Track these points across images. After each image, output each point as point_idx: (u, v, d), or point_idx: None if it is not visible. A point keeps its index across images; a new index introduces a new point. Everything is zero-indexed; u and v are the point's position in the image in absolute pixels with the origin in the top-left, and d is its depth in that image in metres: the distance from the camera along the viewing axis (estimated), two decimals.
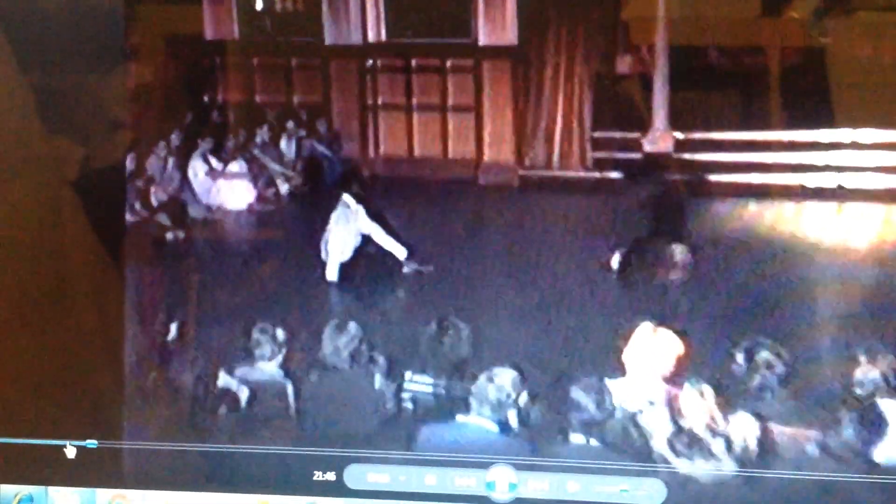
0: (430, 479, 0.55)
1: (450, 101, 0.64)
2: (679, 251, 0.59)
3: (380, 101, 0.64)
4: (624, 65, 0.61)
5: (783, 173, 0.59)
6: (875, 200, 0.57)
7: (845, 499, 0.53)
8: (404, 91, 0.64)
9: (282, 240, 0.65)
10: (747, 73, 0.59)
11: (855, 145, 0.57)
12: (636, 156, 0.61)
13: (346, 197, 0.63)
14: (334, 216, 0.63)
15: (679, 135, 0.60)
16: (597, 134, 0.63)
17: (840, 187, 0.58)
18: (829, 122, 0.57)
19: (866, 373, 0.54)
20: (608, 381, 0.56)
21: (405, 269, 0.63)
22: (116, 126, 0.59)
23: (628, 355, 0.57)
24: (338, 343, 0.60)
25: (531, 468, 0.55)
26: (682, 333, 0.57)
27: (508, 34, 0.62)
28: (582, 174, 0.63)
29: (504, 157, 0.63)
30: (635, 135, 0.61)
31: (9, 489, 0.57)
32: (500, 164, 0.63)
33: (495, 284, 0.61)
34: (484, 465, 0.55)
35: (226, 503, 0.56)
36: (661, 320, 0.57)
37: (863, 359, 0.54)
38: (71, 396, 0.57)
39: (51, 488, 0.57)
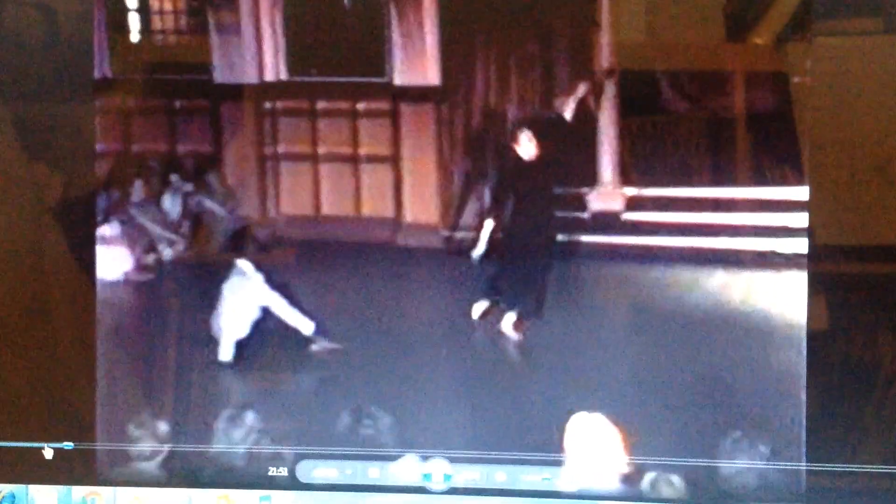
0: (374, 472, 0.61)
1: (362, 151, 0.57)
2: None
3: (280, 150, 0.57)
4: (565, 110, 0.56)
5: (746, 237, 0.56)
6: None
7: None
8: (309, 138, 0.57)
9: (165, 314, 0.59)
10: (710, 121, 0.55)
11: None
12: (581, 215, 0.56)
13: (242, 263, 0.57)
14: (228, 286, 0.57)
15: (631, 191, 0.56)
16: None
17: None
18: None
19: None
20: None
21: (312, 348, 0.57)
22: None
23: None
24: (232, 436, 0.57)
25: (464, 460, 0.60)
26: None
27: (429, 73, 0.55)
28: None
29: (427, 216, 0.57)
30: (579, 191, 0.56)
31: None
32: (421, 224, 0.56)
33: (419, 364, 0.57)
34: (422, 458, 0.60)
35: (189, 498, 0.61)
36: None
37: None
38: (49, 403, 0.61)
39: (31, 486, 0.61)
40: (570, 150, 0.56)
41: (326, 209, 0.57)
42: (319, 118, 0.57)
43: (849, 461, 0.57)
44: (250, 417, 0.59)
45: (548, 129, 0.56)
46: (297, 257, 0.57)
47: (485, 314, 0.57)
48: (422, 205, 0.56)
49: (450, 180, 0.57)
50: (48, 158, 0.58)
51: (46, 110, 0.57)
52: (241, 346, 0.57)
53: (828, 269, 0.56)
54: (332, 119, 0.57)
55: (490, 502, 0.60)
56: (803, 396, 0.57)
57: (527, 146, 0.56)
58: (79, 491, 0.61)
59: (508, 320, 0.58)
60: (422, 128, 0.56)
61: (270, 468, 0.61)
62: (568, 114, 0.56)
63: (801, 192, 0.56)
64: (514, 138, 0.56)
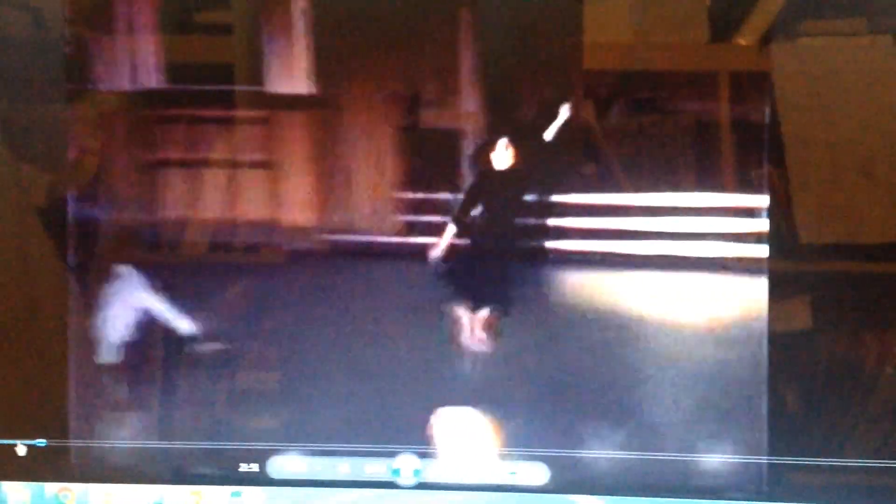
0: (343, 468, 0.61)
1: (240, 157, 0.59)
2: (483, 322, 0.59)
3: (158, 156, 0.59)
4: (434, 117, 0.58)
5: (646, 241, 0.58)
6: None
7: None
8: (189, 144, 0.59)
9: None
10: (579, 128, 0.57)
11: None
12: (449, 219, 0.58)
13: (120, 267, 0.59)
14: (107, 289, 0.60)
15: None
16: (406, 195, 0.59)
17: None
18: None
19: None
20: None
21: (192, 349, 0.60)
22: None
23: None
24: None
25: (433, 455, 0.61)
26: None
27: (304, 81, 0.58)
28: (390, 239, 0.59)
29: (304, 220, 0.59)
30: (449, 196, 0.59)
31: None
32: (299, 228, 0.59)
33: (298, 363, 0.60)
34: (391, 454, 0.61)
35: (161, 495, 0.62)
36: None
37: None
38: (22, 400, 0.62)
39: (4, 483, 0.62)
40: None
41: (207, 213, 0.59)
42: (197, 124, 0.59)
43: (810, 455, 0.58)
44: (220, 414, 0.60)
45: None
46: (175, 261, 0.60)
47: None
48: (298, 209, 0.59)
49: (328, 184, 0.59)
50: None
51: None
52: (120, 349, 0.60)
53: (805, 268, 0.58)
54: (209, 126, 0.59)
55: (459, 497, 0.61)
56: (760, 393, 0.58)
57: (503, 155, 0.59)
58: (51, 487, 0.62)
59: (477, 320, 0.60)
60: (297, 134, 0.59)
61: (242, 464, 0.62)
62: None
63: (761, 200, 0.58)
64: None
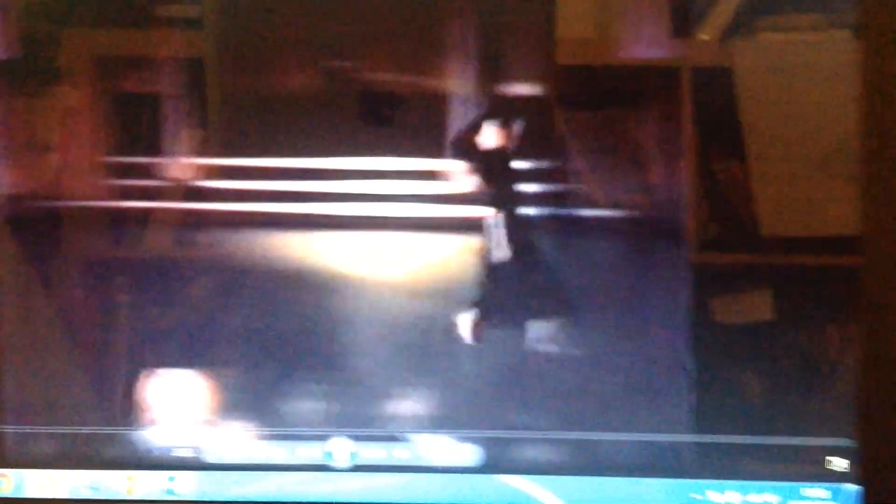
0: (277, 452, 0.62)
1: None
2: None
3: None
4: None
5: (317, 202, 0.60)
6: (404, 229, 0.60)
7: None
8: None
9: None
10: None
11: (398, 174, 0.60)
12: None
13: None
14: None
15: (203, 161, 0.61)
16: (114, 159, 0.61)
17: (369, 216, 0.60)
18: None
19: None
20: None
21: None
22: None
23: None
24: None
25: (367, 438, 0.62)
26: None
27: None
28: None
29: None
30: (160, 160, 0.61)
31: None
32: None
33: (230, 348, 0.62)
34: (324, 438, 0.62)
35: (97, 479, 0.62)
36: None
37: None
38: None
39: None
40: None
41: None
42: None
43: (733, 432, 0.59)
44: (155, 398, 0.61)
45: None
46: None
47: None
48: None
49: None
50: None
51: None
52: None
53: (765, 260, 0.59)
54: None
55: (393, 479, 0.61)
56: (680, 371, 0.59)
57: None
58: None
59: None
60: None
61: (176, 449, 0.62)
62: None
63: None
64: None
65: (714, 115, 0.59)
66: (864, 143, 0.56)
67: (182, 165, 0.61)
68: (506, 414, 0.61)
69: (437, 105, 0.59)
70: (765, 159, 0.59)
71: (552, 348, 0.61)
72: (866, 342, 0.57)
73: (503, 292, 0.61)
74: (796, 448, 0.59)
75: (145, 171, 0.61)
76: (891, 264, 0.56)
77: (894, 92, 0.56)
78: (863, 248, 0.57)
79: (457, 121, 0.59)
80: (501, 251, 0.60)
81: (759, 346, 0.59)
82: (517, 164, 0.60)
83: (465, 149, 0.60)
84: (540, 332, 0.61)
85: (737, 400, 0.59)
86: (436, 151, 0.60)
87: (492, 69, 0.59)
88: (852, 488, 0.58)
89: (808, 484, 0.59)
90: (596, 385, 0.61)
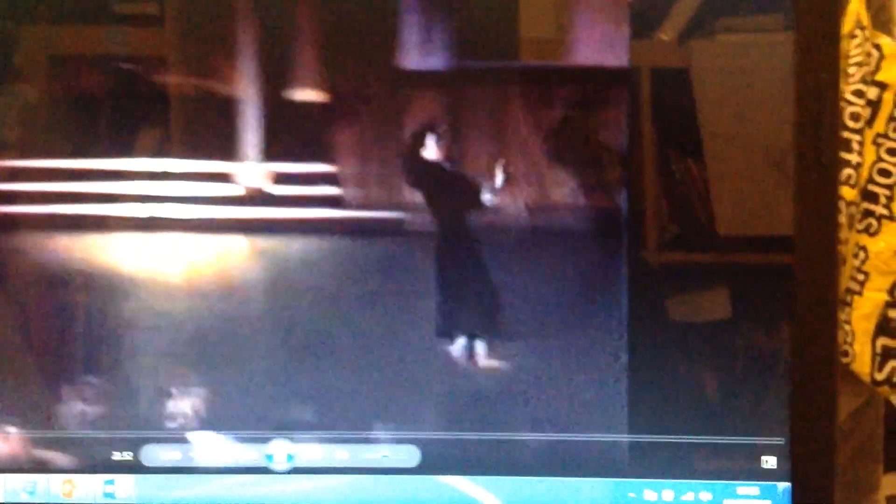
0: (217, 455, 0.62)
1: None
2: None
3: None
4: None
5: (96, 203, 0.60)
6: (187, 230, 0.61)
7: None
8: None
9: None
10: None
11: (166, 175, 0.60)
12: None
13: None
14: None
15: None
16: None
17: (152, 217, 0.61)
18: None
19: (177, 405, 0.61)
20: None
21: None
22: None
23: None
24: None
25: (306, 440, 0.62)
26: None
27: None
28: None
29: None
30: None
31: None
32: None
33: (166, 350, 0.61)
34: (264, 440, 0.62)
35: (33, 482, 0.62)
36: None
37: (175, 391, 0.61)
38: None
39: None
40: None
41: None
42: None
43: (669, 432, 0.60)
44: (93, 402, 0.61)
45: None
46: None
47: None
48: None
49: None
50: None
51: None
52: None
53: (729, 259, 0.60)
54: None
55: (332, 480, 0.61)
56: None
57: None
58: None
59: None
60: None
61: (115, 452, 0.62)
62: None
63: None
64: None
65: (671, 114, 0.59)
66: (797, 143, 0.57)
67: None
68: (442, 415, 0.61)
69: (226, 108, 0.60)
70: (721, 159, 0.59)
71: (495, 350, 0.61)
72: (794, 340, 0.58)
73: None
74: (729, 446, 0.60)
75: None
76: (820, 262, 0.58)
77: (824, 91, 0.57)
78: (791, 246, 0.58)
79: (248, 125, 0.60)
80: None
81: (690, 344, 0.60)
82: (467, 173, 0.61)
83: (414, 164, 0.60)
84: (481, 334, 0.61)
85: (673, 399, 0.60)
86: (225, 154, 0.60)
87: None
88: (783, 485, 0.59)
89: (742, 483, 0.60)
90: (534, 384, 0.61)
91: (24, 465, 0.62)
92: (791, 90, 0.57)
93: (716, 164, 0.59)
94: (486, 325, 0.61)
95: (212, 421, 0.61)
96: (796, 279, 0.58)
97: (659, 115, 0.59)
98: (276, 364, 0.61)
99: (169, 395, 0.61)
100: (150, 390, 0.62)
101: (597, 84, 0.59)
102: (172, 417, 0.62)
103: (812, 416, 0.58)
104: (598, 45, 0.59)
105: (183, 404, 0.61)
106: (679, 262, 0.61)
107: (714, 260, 0.60)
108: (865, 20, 0.69)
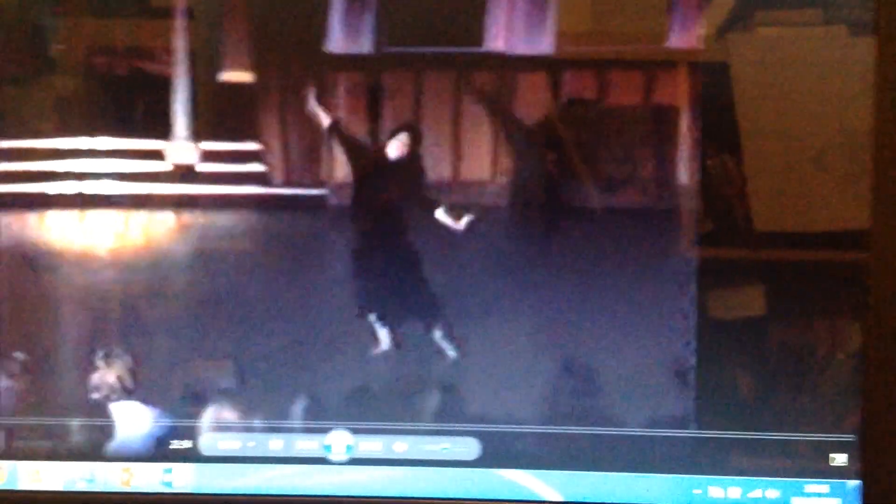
0: (276, 444, 0.62)
1: None
2: None
3: None
4: None
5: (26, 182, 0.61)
6: (115, 206, 0.61)
7: None
8: None
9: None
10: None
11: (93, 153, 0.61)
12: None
13: None
14: None
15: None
16: None
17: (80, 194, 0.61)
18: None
19: (103, 377, 0.61)
20: None
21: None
22: None
23: None
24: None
25: (366, 432, 0.61)
26: None
27: None
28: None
29: None
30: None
31: None
32: None
33: (232, 341, 0.62)
34: (323, 431, 0.61)
35: (91, 472, 0.62)
36: None
37: (101, 364, 0.61)
38: None
39: None
40: None
41: None
42: None
43: (735, 428, 0.59)
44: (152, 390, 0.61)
45: None
46: None
47: None
48: None
49: None
50: None
51: None
52: None
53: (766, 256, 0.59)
54: None
55: (391, 472, 0.61)
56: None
57: None
58: None
59: None
60: None
61: (174, 441, 0.61)
62: None
63: None
64: None
65: (711, 109, 0.59)
66: (874, 139, 0.56)
67: None
68: (504, 408, 0.61)
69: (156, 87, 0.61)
70: (760, 154, 0.58)
71: (558, 347, 0.60)
72: (867, 337, 0.57)
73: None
74: (797, 443, 0.58)
75: None
76: (894, 260, 0.56)
77: None
78: (866, 243, 0.57)
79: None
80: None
81: (759, 341, 0.59)
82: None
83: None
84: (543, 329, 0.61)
85: (739, 395, 0.59)
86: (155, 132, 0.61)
87: None
88: (853, 483, 0.58)
89: (811, 480, 0.58)
90: (597, 380, 0.60)
91: (82, 452, 0.61)
92: (837, 84, 0.56)
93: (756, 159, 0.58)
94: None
95: (272, 410, 0.61)
96: (871, 275, 0.56)
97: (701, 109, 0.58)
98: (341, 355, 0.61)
99: (229, 387, 0.61)
100: (209, 378, 0.61)
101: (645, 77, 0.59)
102: (233, 407, 0.61)
103: (883, 413, 0.57)
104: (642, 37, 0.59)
105: (243, 395, 0.61)
106: (728, 259, 0.59)
107: (757, 256, 0.59)
108: None
